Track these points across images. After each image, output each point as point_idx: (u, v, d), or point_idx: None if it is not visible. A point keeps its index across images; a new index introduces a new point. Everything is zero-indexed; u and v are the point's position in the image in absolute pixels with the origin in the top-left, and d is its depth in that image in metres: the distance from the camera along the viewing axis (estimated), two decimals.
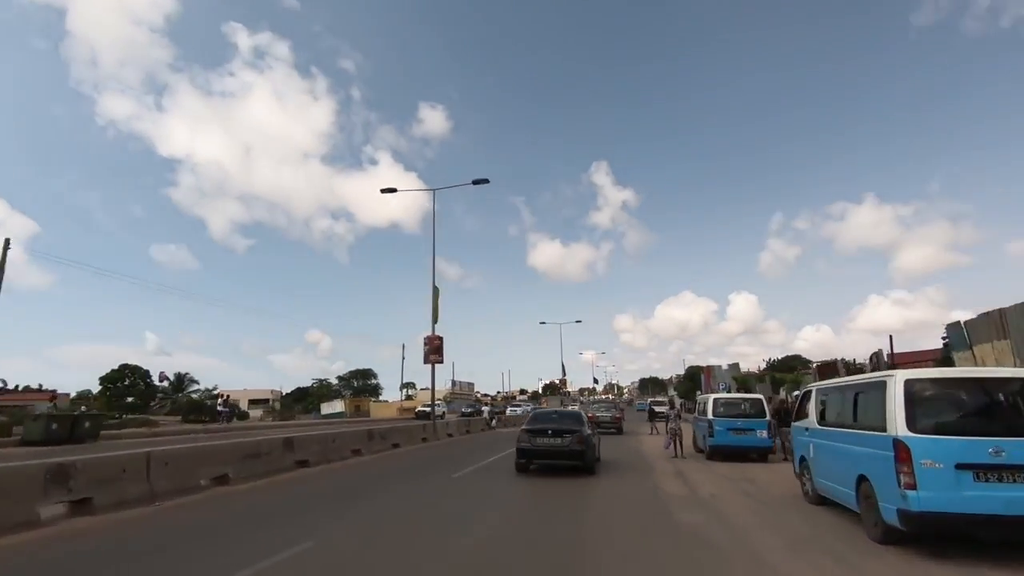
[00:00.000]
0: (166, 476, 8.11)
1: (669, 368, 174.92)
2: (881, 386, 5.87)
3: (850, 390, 6.88)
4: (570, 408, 20.94)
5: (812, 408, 7.86)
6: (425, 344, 22.72)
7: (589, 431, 11.77)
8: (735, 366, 46.36)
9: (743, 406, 14.47)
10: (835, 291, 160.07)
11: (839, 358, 29.20)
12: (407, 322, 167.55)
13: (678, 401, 43.69)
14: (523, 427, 11.91)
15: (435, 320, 22.56)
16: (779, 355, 56.64)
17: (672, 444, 15.05)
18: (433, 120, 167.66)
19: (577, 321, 58.17)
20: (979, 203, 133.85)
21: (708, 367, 48.83)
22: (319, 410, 61.01)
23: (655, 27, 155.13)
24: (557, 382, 51.83)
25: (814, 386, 8.46)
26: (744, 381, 38.72)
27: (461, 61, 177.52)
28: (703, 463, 13.81)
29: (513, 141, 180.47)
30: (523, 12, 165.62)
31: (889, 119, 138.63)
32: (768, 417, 13.99)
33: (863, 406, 6.35)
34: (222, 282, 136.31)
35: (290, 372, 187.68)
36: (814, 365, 34.18)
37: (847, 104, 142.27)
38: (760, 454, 14.10)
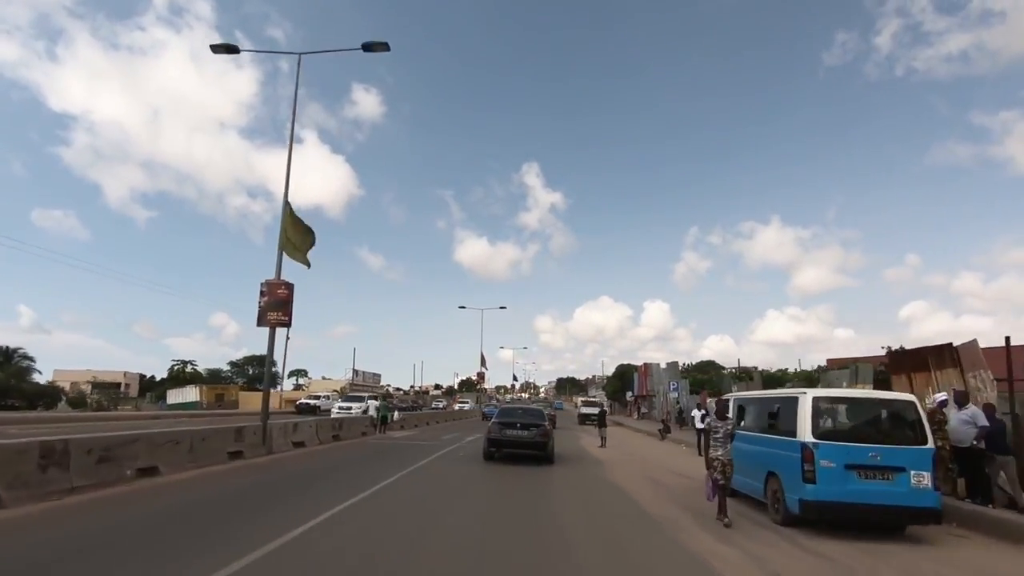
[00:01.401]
0: None
1: (584, 370, 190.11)
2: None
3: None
4: (534, 405, 23.12)
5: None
6: (262, 295, 15.25)
7: (549, 425, 14.91)
8: (674, 365, 50.43)
9: (876, 416, 7.93)
10: (739, 304, 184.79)
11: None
12: (324, 311, 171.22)
13: (707, 407, 47.09)
14: (493, 420, 14.85)
15: (281, 254, 15.51)
16: (686, 361, 63.49)
17: (715, 491, 8.09)
18: (367, 103, 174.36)
19: (501, 307, 59.91)
20: (866, 231, 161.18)
21: (645, 365, 52.81)
22: (167, 399, 56.46)
23: (590, 43, 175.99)
24: (475, 377, 52.59)
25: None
26: (703, 383, 39.88)
27: (398, 46, 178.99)
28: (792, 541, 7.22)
29: (446, 133, 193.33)
30: (463, 7, 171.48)
31: (797, 147, 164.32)
32: (929, 442, 7.45)
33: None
34: (116, 255, 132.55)
35: (188, 357, 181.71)
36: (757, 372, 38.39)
37: (761, 130, 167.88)
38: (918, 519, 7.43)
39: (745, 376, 40.71)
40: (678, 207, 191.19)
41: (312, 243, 16.78)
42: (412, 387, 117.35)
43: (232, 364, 78.60)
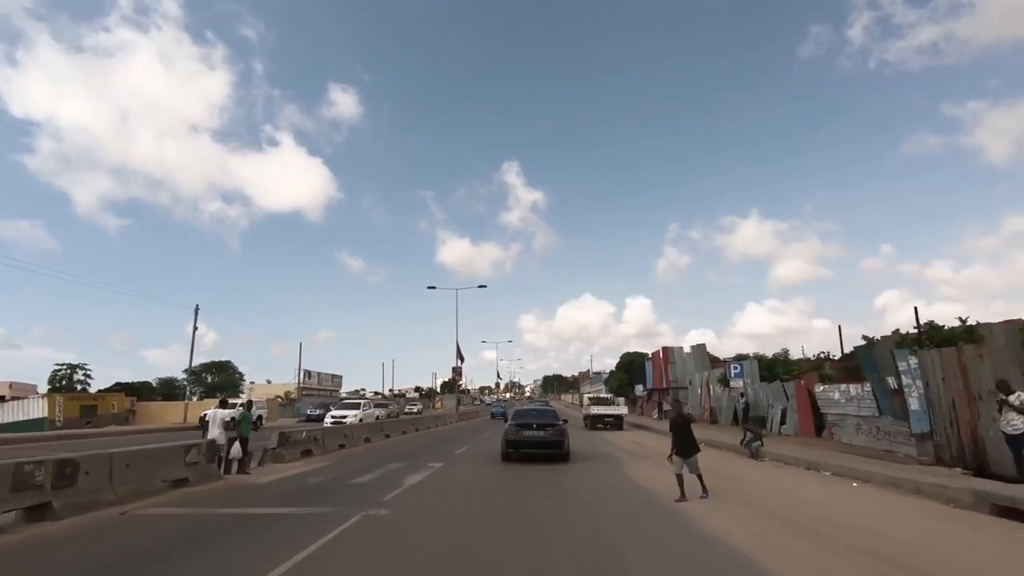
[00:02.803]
0: None
1: (569, 367, 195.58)
2: None
3: None
4: (546, 406, 23.15)
5: None
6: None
7: (563, 423, 15.26)
8: (700, 349, 40.18)
9: None
10: (720, 298, 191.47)
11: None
12: (305, 317, 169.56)
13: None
14: (509, 422, 15.22)
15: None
16: None
17: None
18: (345, 103, 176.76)
19: (480, 286, 49.47)
20: (843, 223, 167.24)
21: (664, 350, 42.50)
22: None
23: (569, 41, 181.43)
24: (454, 375, 46.07)
25: None
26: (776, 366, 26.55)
27: (375, 44, 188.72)
28: None
29: (426, 132, 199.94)
30: (439, 6, 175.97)
31: (776, 141, 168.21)
32: None
33: None
34: (88, 266, 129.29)
35: (164, 368, 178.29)
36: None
37: (740, 125, 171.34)
38: None
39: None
40: (659, 203, 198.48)
41: None
42: (391, 390, 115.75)
43: (189, 373, 69.54)
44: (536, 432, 14.37)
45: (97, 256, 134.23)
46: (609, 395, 38.16)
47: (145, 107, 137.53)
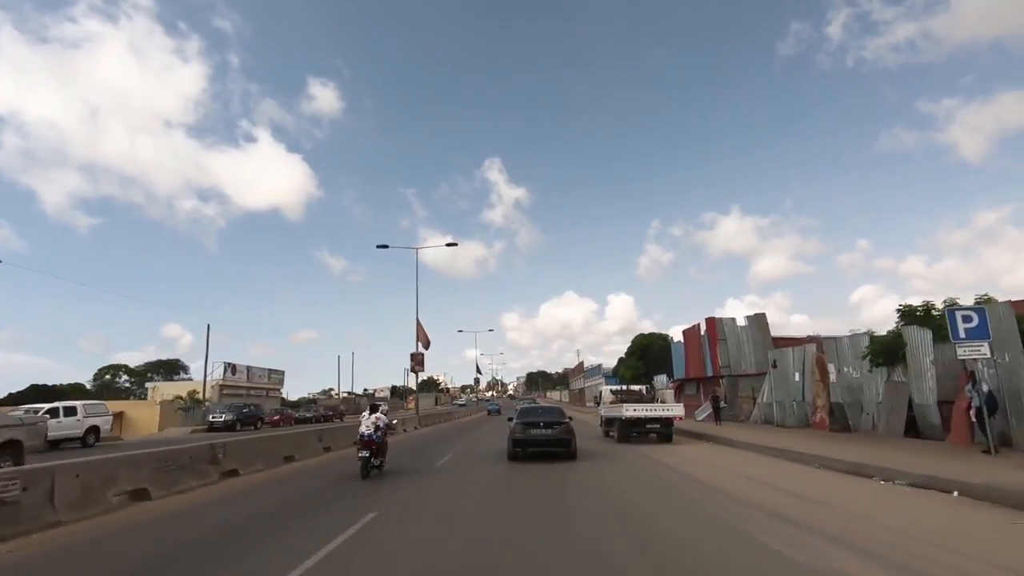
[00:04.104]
0: None
1: (552, 365, 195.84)
2: None
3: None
4: (553, 404, 26.62)
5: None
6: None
7: (569, 420, 14.92)
8: (760, 318, 28.36)
9: None
10: (702, 294, 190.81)
11: None
12: (285, 317, 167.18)
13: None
14: (515, 420, 14.80)
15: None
16: None
17: None
18: (324, 98, 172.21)
19: (450, 244, 37.75)
20: (822, 218, 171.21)
21: (710, 323, 30.38)
22: None
23: (548, 37, 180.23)
24: (414, 364, 35.89)
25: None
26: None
27: (355, 38, 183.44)
28: None
29: (407, 128, 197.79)
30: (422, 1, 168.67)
31: (756, 138, 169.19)
32: None
33: None
34: (57, 267, 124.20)
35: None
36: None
37: (721, 121, 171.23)
38: None
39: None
40: (641, 200, 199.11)
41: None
42: (366, 390, 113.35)
43: (128, 371, 66.59)
44: (544, 430, 14.19)
45: (68, 256, 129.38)
46: (644, 387, 25.94)
47: (116, 101, 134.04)
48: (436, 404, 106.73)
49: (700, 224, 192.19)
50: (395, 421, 17.03)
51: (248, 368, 52.96)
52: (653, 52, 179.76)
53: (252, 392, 52.91)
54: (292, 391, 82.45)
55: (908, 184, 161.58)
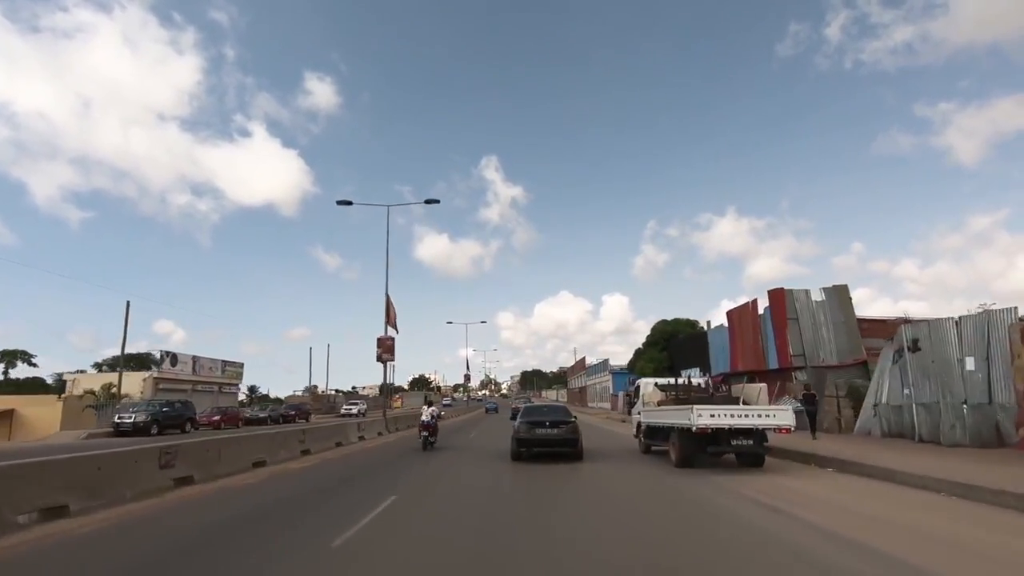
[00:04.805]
0: None
1: (546, 365, 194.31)
2: None
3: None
4: (558, 403, 27.01)
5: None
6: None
7: (575, 419, 14.38)
8: (841, 290, 20.99)
9: None
10: (696, 295, 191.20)
11: None
12: (278, 314, 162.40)
13: None
14: (520, 420, 14.50)
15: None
16: None
17: None
18: (321, 93, 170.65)
19: (430, 201, 30.46)
20: (818, 221, 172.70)
21: (776, 297, 22.61)
22: None
23: (546, 35, 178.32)
24: (380, 351, 29.00)
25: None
26: None
27: (353, 33, 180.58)
28: None
29: (405, 126, 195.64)
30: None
31: (753, 139, 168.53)
32: None
33: None
34: (48, 261, 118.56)
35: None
36: None
37: (718, 121, 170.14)
38: None
39: None
40: (638, 200, 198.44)
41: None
42: (354, 387, 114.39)
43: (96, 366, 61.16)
44: (549, 430, 13.78)
45: (59, 250, 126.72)
46: (705, 379, 18.15)
47: (108, 93, 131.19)
48: (426, 402, 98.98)
49: (696, 225, 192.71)
50: (442, 412, 20.80)
51: (195, 359, 45.07)
52: (652, 51, 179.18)
53: (200, 387, 45.13)
54: (285, 388, 77.66)
55: (903, 187, 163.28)
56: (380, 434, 25.31)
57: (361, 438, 22.36)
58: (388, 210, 29.75)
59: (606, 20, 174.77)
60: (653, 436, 14.56)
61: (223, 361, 49.80)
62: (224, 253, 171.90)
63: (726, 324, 28.36)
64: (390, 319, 28.72)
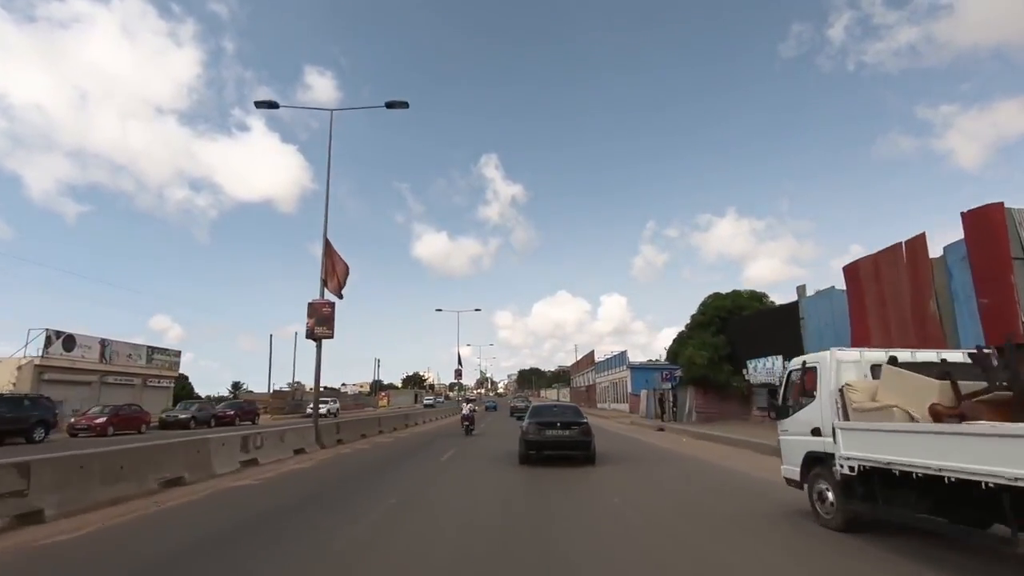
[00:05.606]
0: None
1: (543, 364, 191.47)
2: None
3: None
4: (567, 403, 27.35)
5: None
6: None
7: (587, 421, 13.86)
8: None
9: None
10: (695, 296, 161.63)
11: None
12: (277, 311, 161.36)
13: None
14: (529, 420, 13.65)
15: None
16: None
17: None
18: (321, 87, 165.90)
19: (396, 104, 21.26)
20: (818, 222, 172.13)
21: (989, 212, 12.85)
22: None
23: (548, 35, 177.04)
24: (311, 324, 19.13)
25: None
26: None
27: (354, 27, 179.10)
28: None
29: (404, 122, 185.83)
30: None
31: (753, 138, 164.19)
32: None
33: None
34: (43, 255, 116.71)
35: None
36: None
37: (719, 121, 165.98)
38: None
39: None
40: (637, 200, 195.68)
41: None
42: (343, 384, 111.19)
43: None
44: (561, 431, 13.18)
45: (54, 244, 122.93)
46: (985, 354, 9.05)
47: (106, 85, 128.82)
48: (415, 403, 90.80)
49: (695, 226, 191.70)
50: (476, 409, 26.54)
51: (104, 343, 35.15)
52: (653, 51, 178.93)
53: (114, 379, 35.38)
54: (276, 384, 69.48)
55: (903, 190, 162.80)
56: (300, 452, 15.69)
57: (251, 463, 12.76)
58: (331, 115, 20.26)
59: (607, 19, 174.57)
60: (891, 491, 5.29)
61: (150, 347, 39.88)
62: (222, 248, 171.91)
63: (838, 287, 18.80)
64: (333, 274, 19.09)
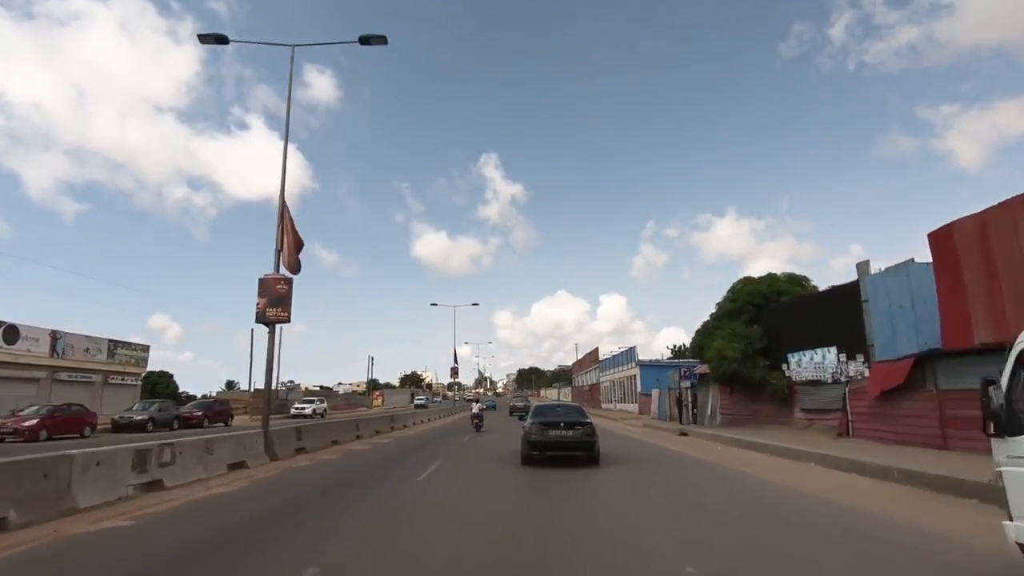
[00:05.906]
0: None
1: (542, 364, 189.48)
2: None
3: None
4: (570, 403, 28.55)
5: None
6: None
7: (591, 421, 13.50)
8: None
9: None
10: (695, 296, 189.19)
11: None
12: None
13: None
14: (531, 420, 13.34)
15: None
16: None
17: None
18: (321, 86, 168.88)
19: (372, 41, 18.52)
20: (818, 222, 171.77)
21: None
22: None
23: (548, 35, 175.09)
24: (262, 308, 15.47)
25: None
26: None
27: (354, 25, 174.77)
28: None
29: (405, 121, 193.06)
30: None
31: (754, 137, 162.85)
32: None
33: None
34: (41, 253, 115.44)
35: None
36: None
37: (719, 121, 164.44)
38: None
39: None
40: (637, 200, 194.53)
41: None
42: (339, 383, 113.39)
43: None
44: (564, 432, 12.85)
45: (52, 242, 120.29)
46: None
47: (104, 83, 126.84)
48: (411, 402, 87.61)
49: (695, 226, 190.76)
50: (485, 407, 30.18)
51: (56, 334, 31.45)
52: (653, 50, 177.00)
53: (68, 376, 31.72)
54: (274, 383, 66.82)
55: (904, 190, 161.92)
56: (239, 467, 12.07)
57: (151, 486, 9.15)
58: (292, 51, 16.58)
59: (607, 19, 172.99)
60: None
61: (112, 340, 36.19)
62: (221, 247, 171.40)
63: (919, 261, 15.23)
64: (288, 246, 15.43)
